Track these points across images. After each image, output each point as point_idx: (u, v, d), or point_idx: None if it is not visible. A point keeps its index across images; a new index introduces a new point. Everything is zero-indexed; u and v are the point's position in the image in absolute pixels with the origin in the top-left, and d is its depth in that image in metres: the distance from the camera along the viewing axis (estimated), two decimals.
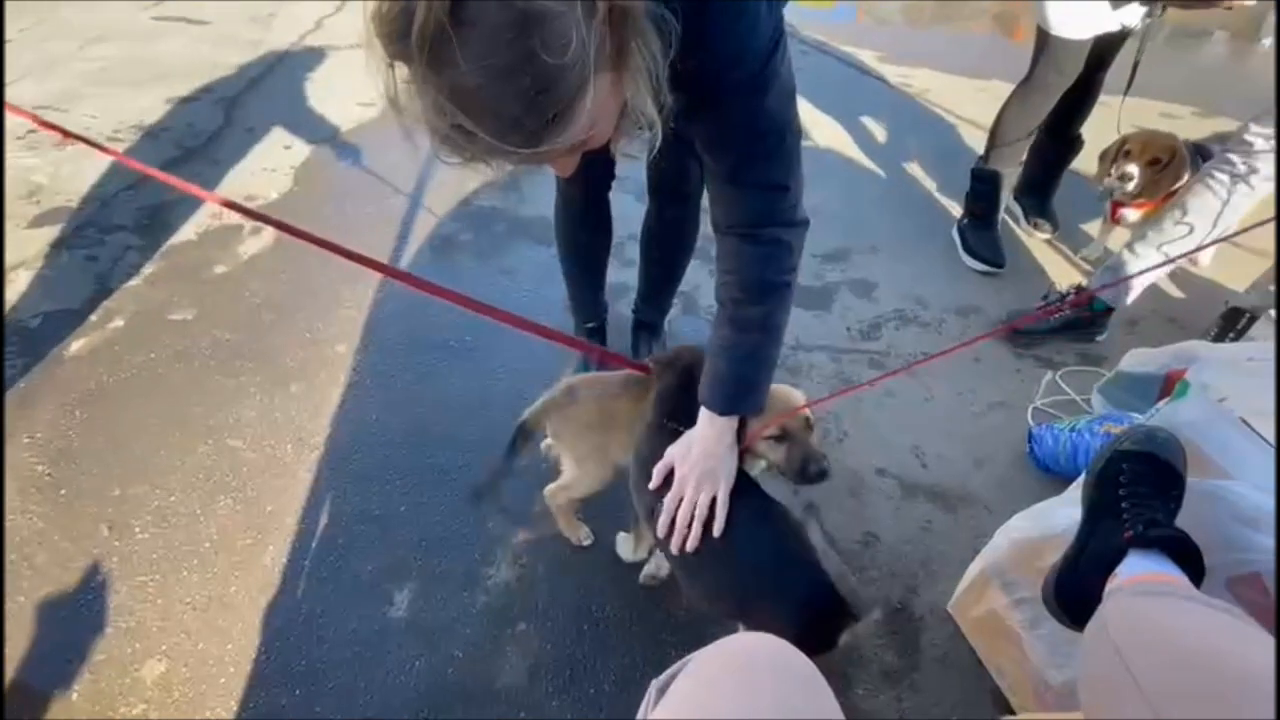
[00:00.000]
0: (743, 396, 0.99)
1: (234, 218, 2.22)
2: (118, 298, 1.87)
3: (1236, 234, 1.23)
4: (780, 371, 1.16)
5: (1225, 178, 1.60)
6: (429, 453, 1.52)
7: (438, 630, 1.21)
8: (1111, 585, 0.77)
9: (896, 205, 2.57)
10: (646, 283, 1.68)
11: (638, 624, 1.24)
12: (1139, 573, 0.76)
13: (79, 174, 2.36)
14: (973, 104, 3.28)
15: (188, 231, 2.15)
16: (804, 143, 0.95)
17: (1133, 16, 1.77)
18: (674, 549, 0.98)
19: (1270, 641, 0.61)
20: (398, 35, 0.55)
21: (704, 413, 1.00)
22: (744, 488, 1.01)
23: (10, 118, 2.25)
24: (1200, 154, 1.91)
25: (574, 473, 1.24)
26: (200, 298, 1.90)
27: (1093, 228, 2.37)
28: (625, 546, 1.31)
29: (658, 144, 0.73)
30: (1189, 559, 0.77)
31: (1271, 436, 0.89)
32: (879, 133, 3.08)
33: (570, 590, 1.29)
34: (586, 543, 1.35)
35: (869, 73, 3.72)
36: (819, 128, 3.04)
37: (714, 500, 0.97)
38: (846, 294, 2.09)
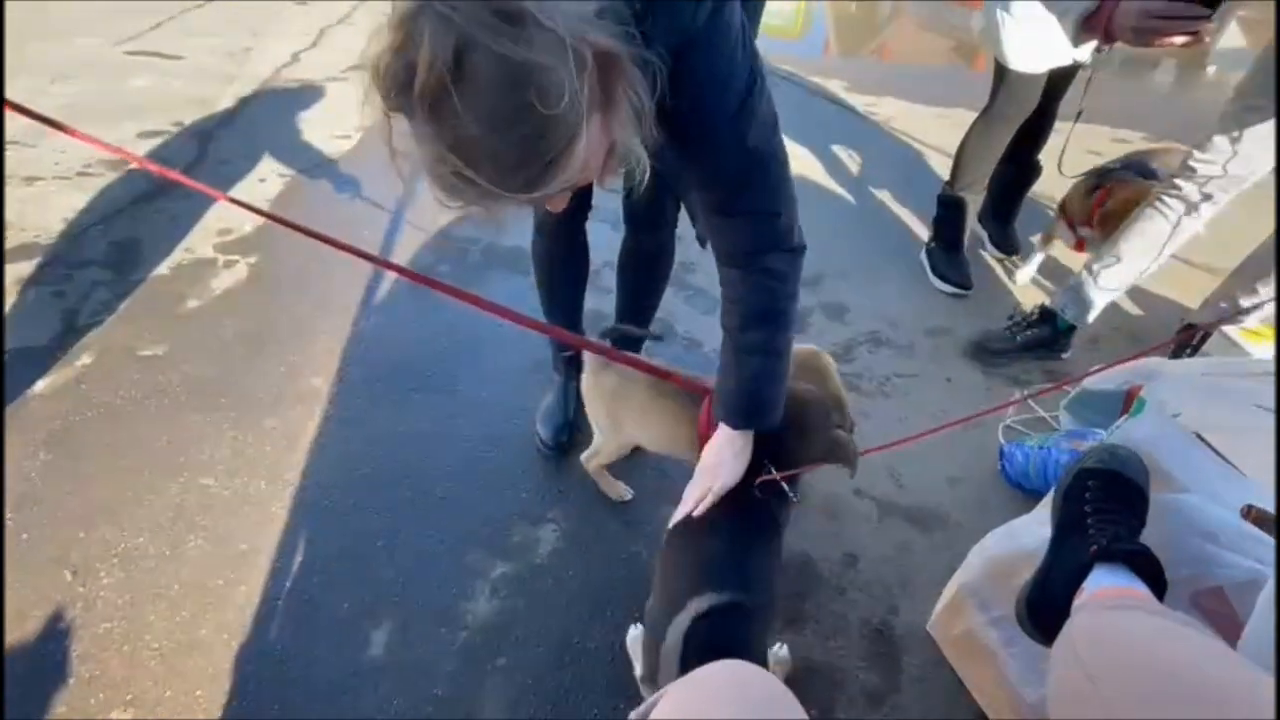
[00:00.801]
0: (756, 413, 1.04)
1: (208, 252, 2.21)
2: (86, 335, 1.84)
3: None
4: None
5: (1180, 205, 1.68)
6: (405, 487, 1.50)
7: (417, 669, 1.19)
8: (1079, 601, 0.79)
9: (866, 230, 2.63)
10: (624, 310, 1.69)
11: (620, 656, 1.22)
12: (1104, 587, 0.78)
13: (47, 210, 2.33)
14: (937, 131, 3.39)
15: (160, 267, 2.13)
16: None
17: (1085, 52, 1.86)
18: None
19: (1229, 653, 0.63)
20: (399, 90, 0.59)
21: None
22: (753, 530, 1.03)
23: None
24: (1141, 172, 2.00)
25: (598, 439, 1.41)
26: (172, 333, 1.87)
27: (1053, 249, 2.44)
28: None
29: (645, 178, 0.76)
30: (1153, 573, 0.80)
31: (1225, 450, 0.92)
32: (847, 160, 3.16)
33: (551, 623, 1.27)
34: (627, 497, 1.49)
35: (837, 102, 3.84)
36: (790, 156, 3.11)
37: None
38: (820, 317, 2.13)
